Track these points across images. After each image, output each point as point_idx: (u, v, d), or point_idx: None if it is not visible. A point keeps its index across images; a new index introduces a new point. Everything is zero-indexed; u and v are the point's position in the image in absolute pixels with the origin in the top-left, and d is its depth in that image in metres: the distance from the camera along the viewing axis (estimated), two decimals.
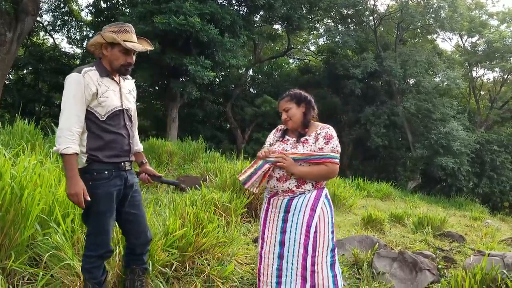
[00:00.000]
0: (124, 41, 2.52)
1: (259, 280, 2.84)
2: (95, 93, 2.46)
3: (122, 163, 2.57)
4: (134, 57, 2.62)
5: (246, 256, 4.30)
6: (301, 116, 2.86)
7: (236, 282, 3.63)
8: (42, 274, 2.91)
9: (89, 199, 2.39)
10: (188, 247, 3.54)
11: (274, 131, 3.08)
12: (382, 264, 4.14)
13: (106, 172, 2.49)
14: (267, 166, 2.76)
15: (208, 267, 3.61)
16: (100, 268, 2.59)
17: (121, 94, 2.62)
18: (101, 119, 2.49)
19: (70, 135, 2.37)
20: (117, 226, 2.87)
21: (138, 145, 2.90)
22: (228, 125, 25.12)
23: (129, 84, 2.75)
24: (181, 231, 3.47)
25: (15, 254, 2.94)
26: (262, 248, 2.83)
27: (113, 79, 2.59)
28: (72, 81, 2.44)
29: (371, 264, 4.20)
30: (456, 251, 5.68)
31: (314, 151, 2.76)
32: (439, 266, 4.31)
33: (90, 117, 2.47)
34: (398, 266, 4.10)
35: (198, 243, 3.65)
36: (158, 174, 2.91)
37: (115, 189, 2.52)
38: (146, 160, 2.97)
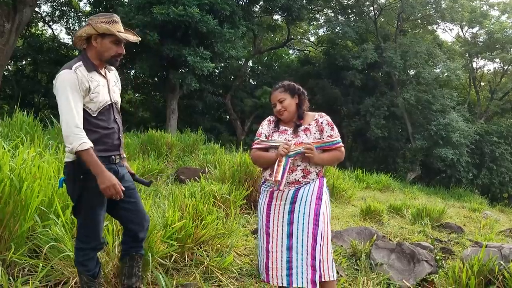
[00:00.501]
0: (117, 31, 2.49)
1: (268, 274, 2.81)
2: (87, 88, 2.43)
3: (112, 157, 2.57)
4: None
5: (245, 248, 4.33)
6: (295, 107, 2.89)
7: (235, 273, 3.66)
8: (42, 266, 2.93)
9: (123, 188, 2.41)
10: (187, 239, 3.57)
11: (266, 122, 3.02)
12: (380, 255, 4.17)
13: None
14: (291, 160, 2.76)
15: (207, 259, 3.64)
16: (93, 260, 2.59)
17: (109, 88, 2.60)
18: (93, 115, 2.47)
19: (79, 131, 2.34)
20: (114, 218, 2.87)
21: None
22: (228, 117, 25.09)
23: (113, 76, 2.71)
24: (180, 223, 3.49)
25: (15, 246, 2.96)
26: (268, 242, 2.81)
27: (100, 73, 2.56)
28: (66, 79, 2.39)
29: (369, 255, 4.22)
30: (455, 242, 5.71)
31: (320, 139, 2.82)
32: (437, 257, 4.34)
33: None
34: (396, 257, 4.12)
35: (197, 234, 3.67)
36: (132, 171, 2.88)
37: None
38: (124, 155, 2.95)
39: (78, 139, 2.32)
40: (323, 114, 2.92)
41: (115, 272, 2.99)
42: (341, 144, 2.84)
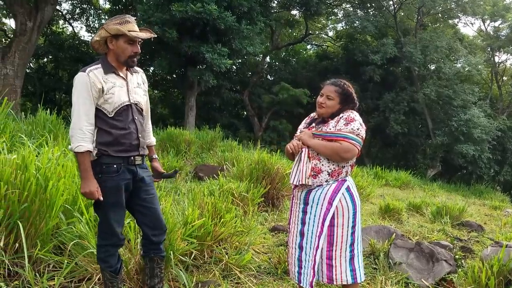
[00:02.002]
0: (129, 31, 2.54)
1: (289, 268, 2.96)
2: (100, 89, 2.50)
3: (132, 158, 2.62)
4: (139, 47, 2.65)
5: (263, 246, 4.37)
6: (336, 110, 2.84)
7: (253, 271, 3.70)
8: (67, 262, 3.03)
9: (101, 198, 2.48)
10: (206, 237, 3.62)
11: (306, 118, 3.09)
12: (399, 254, 4.16)
13: (115, 166, 2.55)
14: (304, 155, 2.79)
15: (226, 256, 3.70)
16: (114, 256, 2.68)
17: (128, 89, 2.65)
18: (109, 116, 2.54)
19: (81, 133, 2.44)
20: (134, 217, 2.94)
21: (150, 138, 2.93)
22: (245, 113, 25.12)
23: (138, 78, 2.76)
24: (200, 221, 3.54)
25: (40, 243, 3.05)
26: (288, 237, 2.94)
27: (119, 74, 2.62)
28: (78, 81, 2.50)
29: (388, 254, 4.21)
30: (475, 241, 5.65)
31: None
32: (457, 256, 4.31)
33: (98, 114, 2.52)
34: (415, 257, 4.10)
35: (216, 232, 3.72)
36: (161, 171, 2.95)
37: (123, 183, 2.58)
38: (157, 156, 2.99)
39: (77, 141, 2.43)
40: (350, 110, 2.82)
41: (137, 268, 3.07)
42: (347, 139, 2.67)
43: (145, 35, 2.63)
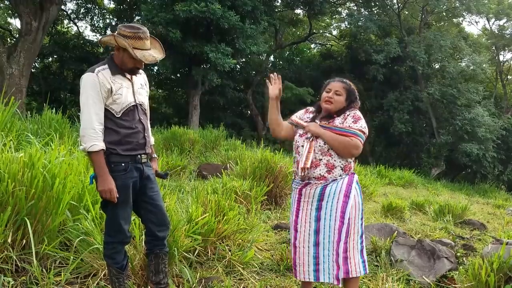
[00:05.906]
0: (135, 48, 2.54)
1: (295, 269, 2.90)
2: (109, 89, 2.55)
3: (138, 156, 2.68)
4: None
5: (266, 243, 4.42)
6: (341, 107, 2.91)
7: (256, 267, 3.75)
8: (73, 258, 3.08)
9: (117, 195, 2.53)
10: (210, 234, 3.67)
11: (303, 110, 3.12)
12: (400, 252, 4.19)
13: (123, 165, 2.61)
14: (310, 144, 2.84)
15: (229, 253, 3.74)
16: (121, 253, 2.73)
17: (133, 90, 2.71)
18: (116, 116, 2.60)
19: (93, 132, 2.49)
20: (136, 215, 2.99)
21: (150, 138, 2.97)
22: (249, 112, 25.15)
23: (140, 79, 2.81)
24: (204, 218, 3.59)
25: (47, 239, 3.12)
26: (295, 238, 2.88)
27: (124, 75, 2.67)
28: (87, 81, 2.53)
29: (390, 252, 4.25)
30: (477, 239, 5.67)
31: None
32: (458, 254, 4.33)
33: (106, 114, 2.57)
34: (416, 254, 4.14)
35: (219, 229, 3.78)
36: (159, 172, 2.99)
37: (131, 181, 2.64)
38: (156, 155, 3.03)
39: (91, 141, 2.48)
40: (354, 109, 2.91)
41: (142, 264, 3.12)
42: (357, 136, 2.77)
43: (150, 58, 2.60)
